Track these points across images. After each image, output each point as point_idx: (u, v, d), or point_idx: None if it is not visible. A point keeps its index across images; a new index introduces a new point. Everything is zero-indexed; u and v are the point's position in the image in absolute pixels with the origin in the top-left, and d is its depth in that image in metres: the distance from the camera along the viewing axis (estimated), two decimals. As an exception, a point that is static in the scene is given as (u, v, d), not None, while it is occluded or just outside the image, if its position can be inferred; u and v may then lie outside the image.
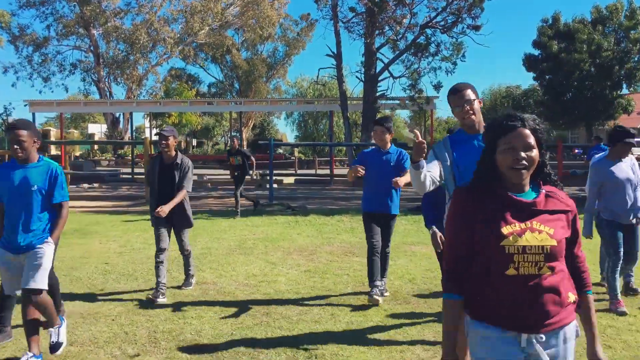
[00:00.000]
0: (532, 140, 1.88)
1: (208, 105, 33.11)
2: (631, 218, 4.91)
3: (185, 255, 5.61)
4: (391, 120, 5.52)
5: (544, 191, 1.94)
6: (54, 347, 3.72)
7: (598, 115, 32.72)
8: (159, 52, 35.76)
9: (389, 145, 5.19)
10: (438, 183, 3.07)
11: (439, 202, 3.90)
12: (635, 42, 30.72)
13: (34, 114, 24.50)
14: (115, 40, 34.21)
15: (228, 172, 12.74)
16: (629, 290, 5.31)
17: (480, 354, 1.90)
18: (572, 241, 1.96)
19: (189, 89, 38.63)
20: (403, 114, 51.70)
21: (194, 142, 44.63)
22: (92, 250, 7.70)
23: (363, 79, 19.66)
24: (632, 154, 5.05)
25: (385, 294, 5.27)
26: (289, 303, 5.12)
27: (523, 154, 1.86)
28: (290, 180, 19.96)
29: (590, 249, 5.67)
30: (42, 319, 3.70)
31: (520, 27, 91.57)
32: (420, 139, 2.86)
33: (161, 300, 5.08)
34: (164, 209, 5.03)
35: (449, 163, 3.05)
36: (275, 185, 15.34)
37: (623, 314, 4.69)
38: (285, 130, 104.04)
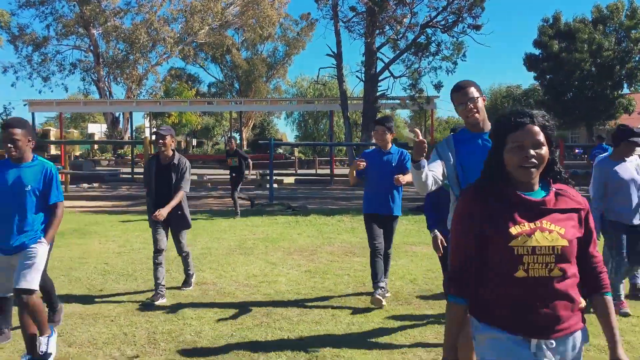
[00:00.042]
0: (541, 137, 1.80)
1: (208, 105, 33.03)
2: (635, 219, 4.80)
3: (184, 256, 5.55)
4: (392, 120, 5.45)
5: (554, 189, 1.86)
6: (42, 358, 3.59)
7: (599, 115, 32.75)
8: (159, 51, 35.71)
9: (390, 145, 5.12)
10: (440, 183, 3.00)
11: (441, 202, 3.86)
12: (636, 42, 30.75)
13: (33, 114, 24.45)
14: (115, 40, 34.13)
15: (228, 172, 12.71)
16: (636, 292, 5.23)
17: (489, 358, 1.82)
18: (585, 240, 1.86)
19: (189, 89, 38.58)
20: (403, 114, 51.62)
21: (194, 142, 44.54)
22: (91, 251, 7.66)
23: (363, 79, 19.61)
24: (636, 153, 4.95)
25: (387, 295, 5.23)
26: (290, 304, 5.08)
27: (532, 152, 1.78)
28: (290, 180, 19.91)
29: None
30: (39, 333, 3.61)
31: (520, 27, 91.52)
32: (420, 138, 2.79)
33: (160, 301, 5.04)
34: (162, 213, 4.94)
35: (452, 162, 2.98)
36: (275, 185, 15.31)
37: (626, 315, 4.65)
38: (285, 130, 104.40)
